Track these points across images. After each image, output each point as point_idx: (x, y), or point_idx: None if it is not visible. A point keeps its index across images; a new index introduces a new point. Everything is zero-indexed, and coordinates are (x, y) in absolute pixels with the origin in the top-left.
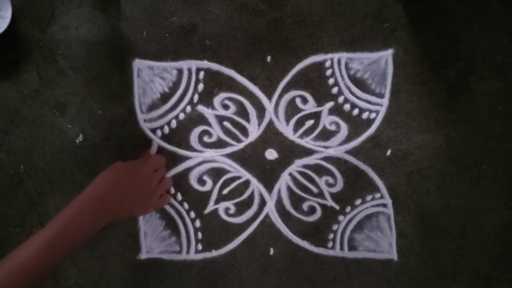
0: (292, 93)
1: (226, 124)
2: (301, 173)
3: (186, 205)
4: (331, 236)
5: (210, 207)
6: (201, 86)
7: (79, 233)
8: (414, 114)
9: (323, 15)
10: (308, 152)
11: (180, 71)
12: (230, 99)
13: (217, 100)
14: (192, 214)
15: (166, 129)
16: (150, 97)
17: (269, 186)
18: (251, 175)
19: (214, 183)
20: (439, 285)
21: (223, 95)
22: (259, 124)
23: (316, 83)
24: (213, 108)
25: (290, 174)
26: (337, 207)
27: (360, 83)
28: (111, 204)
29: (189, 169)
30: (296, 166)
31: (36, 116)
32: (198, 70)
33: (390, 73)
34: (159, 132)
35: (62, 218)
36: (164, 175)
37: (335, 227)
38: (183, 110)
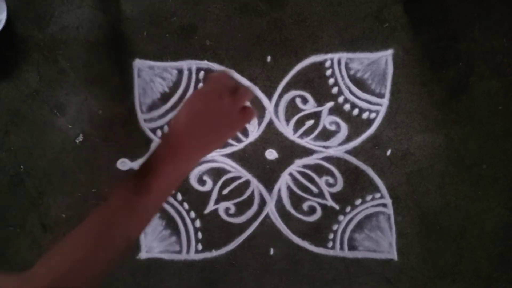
0: (292, 93)
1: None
2: (301, 173)
3: (186, 205)
4: (331, 236)
5: (210, 207)
6: (201, 86)
7: (163, 181)
8: (414, 114)
9: (323, 15)
10: (308, 152)
11: (180, 71)
12: None
13: None
14: (192, 214)
15: (166, 129)
16: (150, 97)
17: (269, 186)
18: (251, 175)
19: (214, 183)
20: (439, 285)
21: None
22: (259, 124)
23: (316, 83)
24: None
25: (290, 174)
26: (337, 207)
27: (360, 83)
28: (189, 144)
29: None
30: (296, 166)
31: (37, 116)
32: (198, 70)
33: (390, 73)
34: (159, 132)
35: (143, 172)
36: (235, 86)
37: (335, 227)
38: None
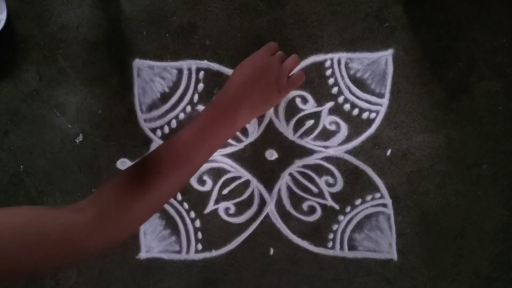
0: (292, 93)
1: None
2: (301, 173)
3: (186, 205)
4: (331, 236)
5: (210, 207)
6: (201, 86)
7: (217, 133)
8: (414, 114)
9: (323, 15)
10: (308, 152)
11: (180, 71)
12: None
13: None
14: (192, 214)
15: (166, 129)
16: (150, 97)
17: (269, 186)
18: (251, 175)
19: (214, 183)
20: (439, 285)
21: None
22: (259, 124)
23: (316, 83)
24: None
25: (290, 174)
26: (337, 207)
27: (360, 83)
28: (243, 103)
29: None
30: (296, 166)
31: (36, 116)
32: (198, 70)
33: (390, 73)
34: (159, 132)
35: (202, 118)
36: (283, 56)
37: (335, 227)
38: (183, 110)
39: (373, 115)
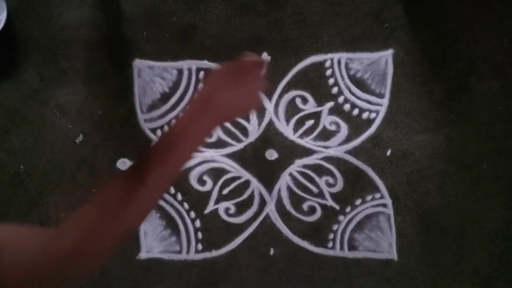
0: (292, 93)
1: (226, 124)
2: (301, 173)
3: (186, 205)
4: (331, 236)
5: (210, 207)
6: (201, 86)
7: (197, 132)
8: (414, 114)
9: (323, 15)
10: (308, 152)
11: (180, 71)
12: None
13: None
14: (192, 214)
15: (166, 129)
16: (151, 97)
17: (269, 186)
18: (251, 175)
19: (214, 183)
20: (439, 285)
21: None
22: (259, 124)
23: (316, 83)
24: None
25: (290, 174)
26: (337, 207)
27: (360, 83)
28: (220, 105)
29: (189, 169)
30: (296, 166)
31: (37, 116)
32: (198, 70)
33: (390, 73)
34: (159, 132)
35: (184, 120)
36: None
37: (335, 227)
38: (183, 110)
39: (373, 115)
